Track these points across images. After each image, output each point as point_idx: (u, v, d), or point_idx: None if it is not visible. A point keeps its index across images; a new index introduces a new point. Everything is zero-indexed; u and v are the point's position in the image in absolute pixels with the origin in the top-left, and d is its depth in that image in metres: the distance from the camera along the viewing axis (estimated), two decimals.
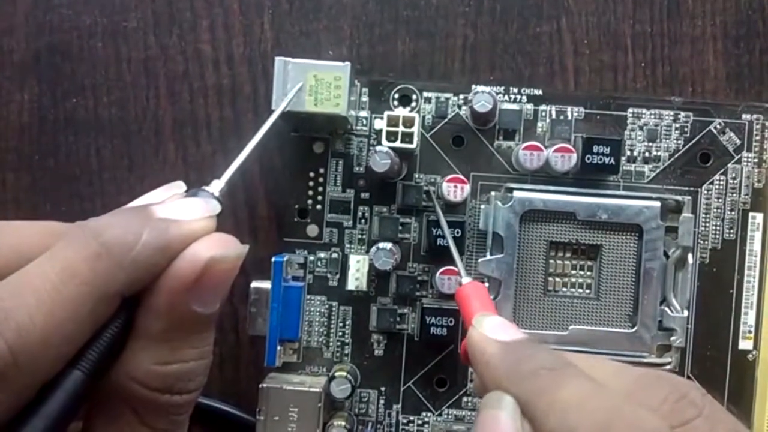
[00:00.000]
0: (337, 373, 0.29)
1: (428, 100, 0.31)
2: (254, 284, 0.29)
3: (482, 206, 0.30)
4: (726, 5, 0.32)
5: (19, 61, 0.32)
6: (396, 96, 0.31)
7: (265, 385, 0.28)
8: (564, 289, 0.30)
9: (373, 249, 0.29)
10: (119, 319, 0.20)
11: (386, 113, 0.29)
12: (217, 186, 0.23)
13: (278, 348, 0.28)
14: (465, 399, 0.30)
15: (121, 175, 0.33)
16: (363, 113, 0.31)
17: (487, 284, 0.29)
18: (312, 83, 0.27)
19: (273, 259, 0.28)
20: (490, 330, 0.22)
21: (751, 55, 0.32)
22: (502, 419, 0.19)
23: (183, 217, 0.20)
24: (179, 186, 0.23)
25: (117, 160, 0.33)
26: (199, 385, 0.21)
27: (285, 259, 0.29)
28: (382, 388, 0.30)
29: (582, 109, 0.31)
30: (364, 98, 0.31)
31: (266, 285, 0.28)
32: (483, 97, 0.29)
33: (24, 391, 0.18)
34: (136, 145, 0.33)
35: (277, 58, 0.28)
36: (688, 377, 0.30)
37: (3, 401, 0.18)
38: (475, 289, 0.25)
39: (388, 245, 0.29)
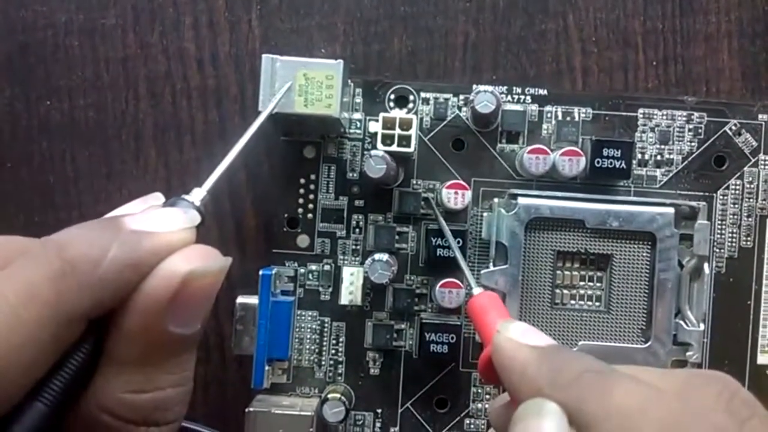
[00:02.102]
0: (329, 395, 0.27)
1: (426, 101, 0.29)
2: (240, 299, 0.27)
3: (485, 214, 0.28)
4: (741, 1, 0.31)
5: None
6: (392, 97, 0.29)
7: (252, 408, 0.26)
8: (572, 302, 0.28)
9: (369, 261, 0.27)
10: (86, 343, 0.18)
11: (381, 115, 0.27)
12: (198, 195, 0.21)
13: (266, 368, 0.26)
14: (467, 421, 0.28)
15: (98, 183, 0.31)
16: (357, 115, 0.29)
17: None
18: (302, 82, 0.25)
19: (261, 272, 0.26)
20: (520, 336, 0.20)
21: (767, 50, 0.31)
22: (546, 428, 0.17)
23: (157, 228, 0.18)
24: (157, 198, 0.21)
25: (94, 167, 0.31)
26: (178, 415, 0.19)
27: (273, 272, 0.27)
28: (379, 410, 0.28)
29: (590, 110, 0.29)
30: (358, 99, 0.29)
31: (253, 300, 0.26)
32: (485, 96, 0.27)
33: None
34: (115, 151, 0.31)
35: (264, 56, 0.26)
36: None
37: None
38: (491, 299, 0.23)
39: (385, 256, 0.27)
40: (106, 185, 0.31)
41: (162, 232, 0.18)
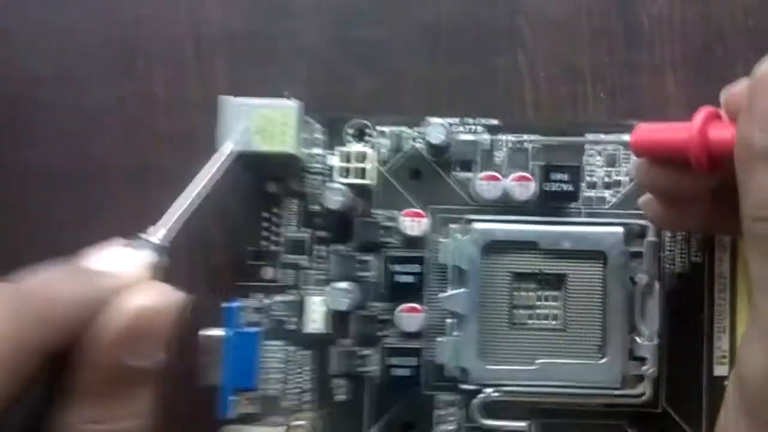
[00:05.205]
0: (294, 422, 0.28)
1: (383, 133, 0.30)
2: (204, 332, 0.27)
3: (441, 239, 0.29)
4: (685, 32, 0.32)
5: None
6: (350, 131, 0.30)
7: None
8: (530, 322, 0.29)
9: (328, 288, 0.28)
10: (46, 377, 0.19)
11: (337, 149, 0.28)
12: (156, 233, 0.22)
13: (233, 398, 0.27)
14: None
15: (73, 227, 0.32)
16: (317, 150, 0.30)
17: (450, 320, 0.28)
18: (260, 123, 0.27)
19: (225, 305, 0.27)
20: None
21: (711, 82, 0.32)
22: None
23: (112, 267, 0.19)
24: (116, 243, 0.22)
25: (69, 212, 0.32)
26: None
27: (238, 304, 0.28)
28: None
29: (539, 137, 0.30)
30: (319, 135, 0.30)
31: (218, 332, 0.27)
32: (436, 128, 0.28)
33: None
34: (89, 198, 0.32)
35: (221, 97, 0.27)
36: (663, 408, 0.29)
37: None
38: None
39: (344, 284, 0.28)
40: (82, 230, 0.32)
41: (116, 271, 0.19)
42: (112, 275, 0.19)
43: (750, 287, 0.19)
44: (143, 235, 0.21)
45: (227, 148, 0.26)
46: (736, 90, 0.22)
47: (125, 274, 0.19)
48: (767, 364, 0.18)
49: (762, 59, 0.20)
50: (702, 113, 0.22)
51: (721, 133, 0.21)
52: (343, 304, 0.28)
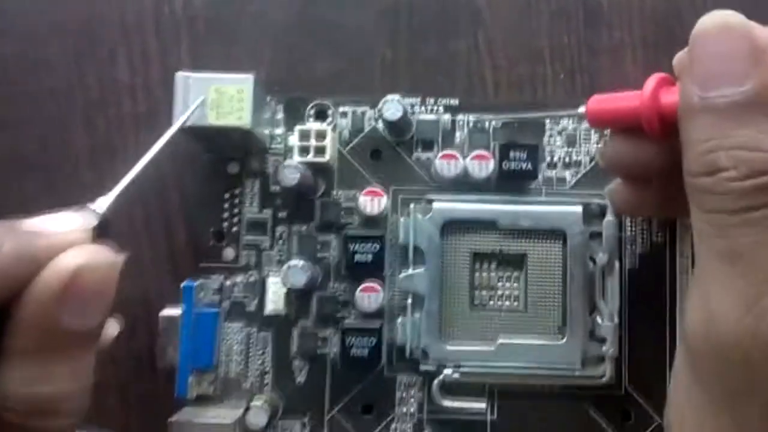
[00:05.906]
0: (252, 403, 0.27)
1: (344, 114, 0.30)
2: (164, 312, 0.27)
3: (401, 218, 0.29)
4: (643, 13, 0.32)
5: None
6: (311, 112, 0.30)
7: (174, 419, 0.26)
8: (491, 302, 0.29)
9: (284, 267, 0.28)
10: None
11: (297, 127, 0.28)
12: (103, 202, 0.22)
13: (190, 378, 0.27)
14: (393, 426, 0.29)
15: (40, 209, 0.31)
16: (278, 130, 0.30)
17: (410, 300, 0.28)
18: (214, 97, 0.27)
19: (182, 285, 0.27)
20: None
21: (670, 63, 0.32)
22: None
23: (51, 229, 0.19)
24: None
25: (37, 193, 0.32)
26: (74, 410, 0.19)
27: (196, 284, 0.27)
28: (306, 418, 0.29)
29: (499, 115, 0.30)
30: (280, 115, 0.30)
31: (176, 312, 0.27)
32: (392, 104, 0.28)
33: None
34: (55, 177, 0.32)
35: (177, 74, 0.27)
36: (625, 389, 0.29)
37: None
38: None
39: (300, 262, 0.28)
40: (48, 210, 0.31)
41: (55, 231, 0.19)
42: (52, 235, 0.19)
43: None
44: (91, 204, 0.21)
45: (180, 120, 0.26)
46: (682, 54, 0.22)
47: (65, 236, 0.19)
48: (705, 315, 0.18)
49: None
50: (653, 79, 0.22)
51: (672, 97, 0.21)
52: (299, 281, 0.27)
